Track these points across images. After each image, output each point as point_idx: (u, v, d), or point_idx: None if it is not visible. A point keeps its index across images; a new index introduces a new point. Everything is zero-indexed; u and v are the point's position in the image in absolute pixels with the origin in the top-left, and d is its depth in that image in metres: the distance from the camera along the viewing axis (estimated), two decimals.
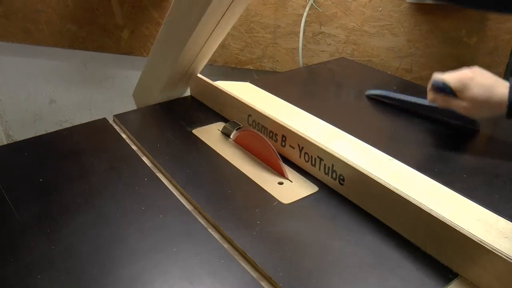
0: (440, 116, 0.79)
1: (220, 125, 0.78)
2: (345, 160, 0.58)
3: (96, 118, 0.80)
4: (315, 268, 0.48)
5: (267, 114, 0.70)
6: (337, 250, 0.51)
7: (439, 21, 1.10)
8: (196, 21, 0.69)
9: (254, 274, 0.48)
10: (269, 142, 0.66)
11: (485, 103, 0.66)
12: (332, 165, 0.60)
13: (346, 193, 0.59)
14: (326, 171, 0.61)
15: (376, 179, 0.54)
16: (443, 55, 1.13)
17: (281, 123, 0.68)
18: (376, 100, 0.89)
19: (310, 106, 0.82)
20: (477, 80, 0.67)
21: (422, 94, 0.91)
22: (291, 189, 0.61)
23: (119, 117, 0.81)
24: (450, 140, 0.74)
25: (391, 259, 0.49)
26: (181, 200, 0.59)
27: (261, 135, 0.68)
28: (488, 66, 1.10)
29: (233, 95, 0.77)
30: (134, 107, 0.86)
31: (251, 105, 0.73)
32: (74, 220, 0.55)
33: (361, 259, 0.50)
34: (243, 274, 0.48)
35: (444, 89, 0.69)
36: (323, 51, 1.24)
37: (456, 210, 0.52)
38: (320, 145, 0.61)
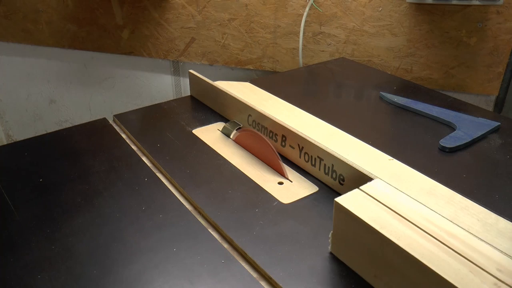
0: (454, 127, 0.77)
1: (220, 125, 0.78)
2: (345, 160, 0.58)
3: (96, 118, 0.80)
4: (315, 268, 0.48)
5: (267, 114, 0.70)
6: None
7: (439, 21, 1.11)
8: None
9: (254, 274, 0.48)
10: (269, 142, 0.66)
11: None
12: (332, 165, 0.60)
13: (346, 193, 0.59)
14: (326, 171, 0.61)
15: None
16: (443, 55, 1.13)
17: (281, 123, 0.68)
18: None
19: (310, 106, 0.82)
20: None
21: (422, 94, 0.91)
22: (291, 189, 0.61)
23: (119, 117, 0.81)
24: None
25: None
26: (181, 200, 0.59)
27: (261, 135, 0.68)
28: (488, 66, 1.10)
29: (233, 95, 0.77)
30: (134, 107, 0.86)
31: (251, 105, 0.73)
32: (74, 220, 0.55)
33: None
34: (243, 274, 0.48)
35: None
36: (323, 51, 1.24)
37: (456, 210, 0.52)
38: (320, 145, 0.61)
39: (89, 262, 0.49)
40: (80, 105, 1.56)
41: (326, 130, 0.74)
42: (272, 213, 0.56)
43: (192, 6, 1.28)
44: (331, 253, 0.50)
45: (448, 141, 0.71)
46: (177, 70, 1.42)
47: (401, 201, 0.47)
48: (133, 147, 0.72)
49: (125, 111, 0.83)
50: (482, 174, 0.65)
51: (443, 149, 0.70)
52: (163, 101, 0.88)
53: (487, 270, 0.38)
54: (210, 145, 0.72)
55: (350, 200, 0.47)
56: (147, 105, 0.86)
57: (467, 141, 0.72)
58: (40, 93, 1.56)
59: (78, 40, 1.41)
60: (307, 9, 1.18)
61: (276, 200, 0.59)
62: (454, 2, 1.04)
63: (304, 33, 1.21)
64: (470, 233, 0.43)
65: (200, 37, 1.32)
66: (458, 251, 0.40)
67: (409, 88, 0.95)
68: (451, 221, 0.45)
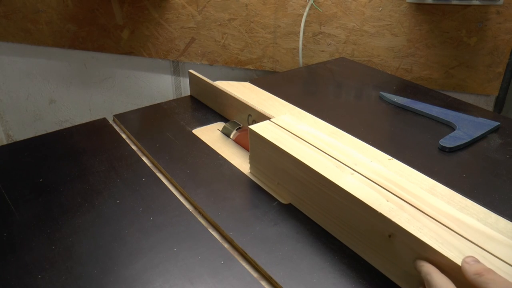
0: (454, 126, 0.78)
1: (220, 125, 0.78)
2: None
3: (96, 118, 0.80)
4: (316, 267, 0.48)
5: (267, 114, 0.70)
6: (337, 250, 0.51)
7: (439, 21, 1.11)
8: None
9: (254, 274, 0.48)
10: None
11: None
12: None
13: None
14: None
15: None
16: (443, 55, 1.13)
17: None
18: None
19: (310, 106, 0.83)
20: None
21: (422, 94, 0.91)
22: None
23: (119, 117, 0.81)
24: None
25: None
26: (181, 200, 0.59)
27: None
28: (488, 66, 1.10)
29: (233, 95, 0.77)
30: (134, 107, 0.86)
31: (251, 105, 0.73)
32: (74, 220, 0.55)
33: (360, 258, 0.50)
34: (243, 274, 0.48)
35: None
36: (323, 51, 1.24)
37: (456, 210, 0.52)
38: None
39: (89, 262, 0.49)
40: (80, 105, 1.56)
41: (326, 130, 0.74)
42: (272, 213, 0.56)
43: (192, 6, 1.28)
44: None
45: (448, 141, 0.71)
46: (177, 70, 1.42)
47: (299, 127, 0.62)
48: (133, 147, 0.72)
49: (125, 111, 0.83)
50: (482, 174, 0.65)
51: (443, 149, 0.71)
52: (163, 101, 0.88)
53: (347, 164, 0.54)
54: (210, 145, 0.72)
55: (260, 127, 0.62)
56: (147, 105, 0.86)
57: (467, 141, 0.72)
58: (40, 93, 1.56)
59: (78, 40, 1.41)
60: (307, 9, 1.18)
61: (276, 200, 0.59)
62: (454, 2, 1.04)
63: (304, 33, 1.21)
64: (344, 145, 0.59)
65: (200, 37, 1.32)
66: (332, 155, 0.56)
67: (409, 88, 0.95)
68: (334, 140, 0.60)
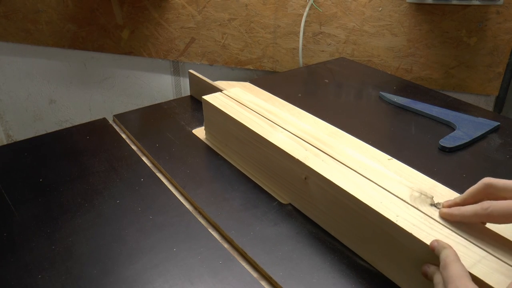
0: (453, 126, 0.78)
1: None
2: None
3: (96, 118, 0.80)
4: (315, 267, 0.48)
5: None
6: (337, 250, 0.51)
7: (439, 21, 1.11)
8: None
9: (254, 274, 0.48)
10: None
11: None
12: None
13: None
14: None
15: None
16: (443, 55, 1.13)
17: None
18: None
19: (310, 106, 0.82)
20: None
21: (422, 94, 0.91)
22: None
23: (119, 117, 0.81)
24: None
25: None
26: (181, 200, 0.59)
27: None
28: (488, 66, 1.10)
29: None
30: (134, 107, 0.86)
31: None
32: (74, 220, 0.55)
33: (360, 259, 0.50)
34: (243, 273, 0.48)
35: None
36: (323, 51, 1.24)
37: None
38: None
39: (89, 262, 0.49)
40: (80, 105, 1.56)
41: (326, 130, 0.74)
42: (272, 213, 0.56)
43: (192, 6, 1.28)
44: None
45: (448, 141, 0.71)
46: (177, 70, 1.42)
47: (246, 98, 0.70)
48: (133, 147, 0.72)
49: (125, 111, 0.83)
50: (482, 174, 0.65)
51: (443, 149, 0.71)
52: (163, 101, 0.88)
53: (281, 125, 0.62)
54: (210, 145, 0.72)
55: (211, 97, 0.71)
56: (147, 105, 0.86)
57: (467, 141, 0.72)
58: (40, 93, 1.56)
59: (78, 40, 1.41)
60: (307, 9, 1.18)
61: (276, 200, 0.59)
62: (454, 2, 1.04)
63: (304, 33, 1.21)
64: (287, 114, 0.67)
65: (200, 37, 1.32)
66: (268, 118, 0.65)
67: (409, 88, 0.95)
68: (273, 106, 0.68)
